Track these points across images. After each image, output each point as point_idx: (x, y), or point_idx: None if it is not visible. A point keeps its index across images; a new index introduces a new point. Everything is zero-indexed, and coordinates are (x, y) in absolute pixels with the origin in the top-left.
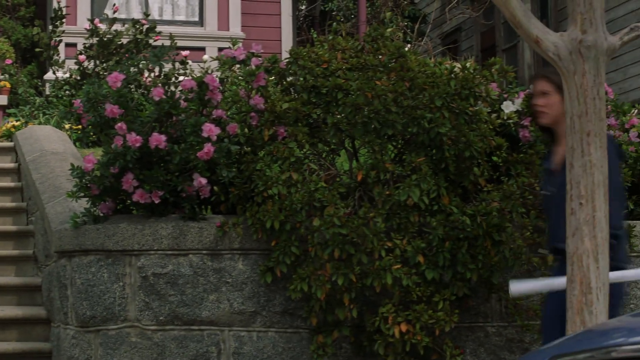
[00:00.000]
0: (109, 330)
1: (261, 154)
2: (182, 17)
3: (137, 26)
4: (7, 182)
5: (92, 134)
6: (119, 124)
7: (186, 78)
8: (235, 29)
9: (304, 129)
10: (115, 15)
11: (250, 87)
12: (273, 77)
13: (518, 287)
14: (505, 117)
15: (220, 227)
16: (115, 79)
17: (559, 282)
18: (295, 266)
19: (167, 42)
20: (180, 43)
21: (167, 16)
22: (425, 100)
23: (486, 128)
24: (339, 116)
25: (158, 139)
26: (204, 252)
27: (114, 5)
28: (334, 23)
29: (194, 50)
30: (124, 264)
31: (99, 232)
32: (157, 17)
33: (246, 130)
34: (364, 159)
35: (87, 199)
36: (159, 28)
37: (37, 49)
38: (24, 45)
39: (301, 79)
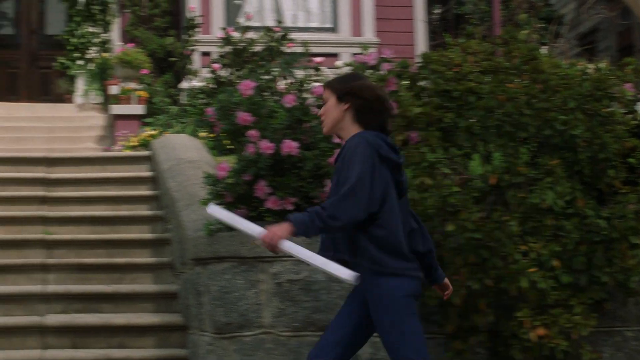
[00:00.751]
0: (244, 336)
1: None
2: (315, 24)
3: (271, 34)
4: (143, 191)
5: (225, 141)
6: (251, 131)
7: (317, 84)
8: (369, 34)
9: (436, 133)
10: (249, 23)
11: None
12: (407, 81)
13: (215, 210)
14: None
15: None
16: (247, 86)
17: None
18: None
19: (300, 49)
20: (313, 50)
21: (300, 23)
22: (558, 102)
23: (621, 129)
24: (471, 120)
25: (290, 146)
26: None
27: (247, 13)
28: (468, 26)
29: (327, 56)
30: (258, 270)
31: (233, 239)
32: (290, 24)
33: None
34: (497, 162)
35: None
36: (292, 35)
37: (172, 59)
38: (159, 55)
39: (433, 83)
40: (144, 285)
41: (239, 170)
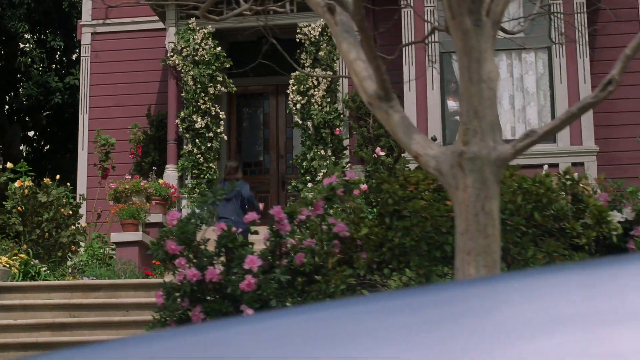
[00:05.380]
0: None
1: (322, 281)
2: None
3: None
4: None
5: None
6: (179, 260)
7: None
8: (589, 142)
9: (370, 254)
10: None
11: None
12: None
13: None
14: None
15: None
16: (172, 217)
17: None
18: None
19: None
20: (536, 161)
21: (518, 135)
22: None
23: None
24: (395, 239)
25: (212, 273)
26: None
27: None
28: None
29: (551, 166)
30: None
31: None
32: (509, 137)
33: (316, 259)
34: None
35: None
36: None
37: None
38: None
39: (390, 201)
40: None
41: (167, 296)
